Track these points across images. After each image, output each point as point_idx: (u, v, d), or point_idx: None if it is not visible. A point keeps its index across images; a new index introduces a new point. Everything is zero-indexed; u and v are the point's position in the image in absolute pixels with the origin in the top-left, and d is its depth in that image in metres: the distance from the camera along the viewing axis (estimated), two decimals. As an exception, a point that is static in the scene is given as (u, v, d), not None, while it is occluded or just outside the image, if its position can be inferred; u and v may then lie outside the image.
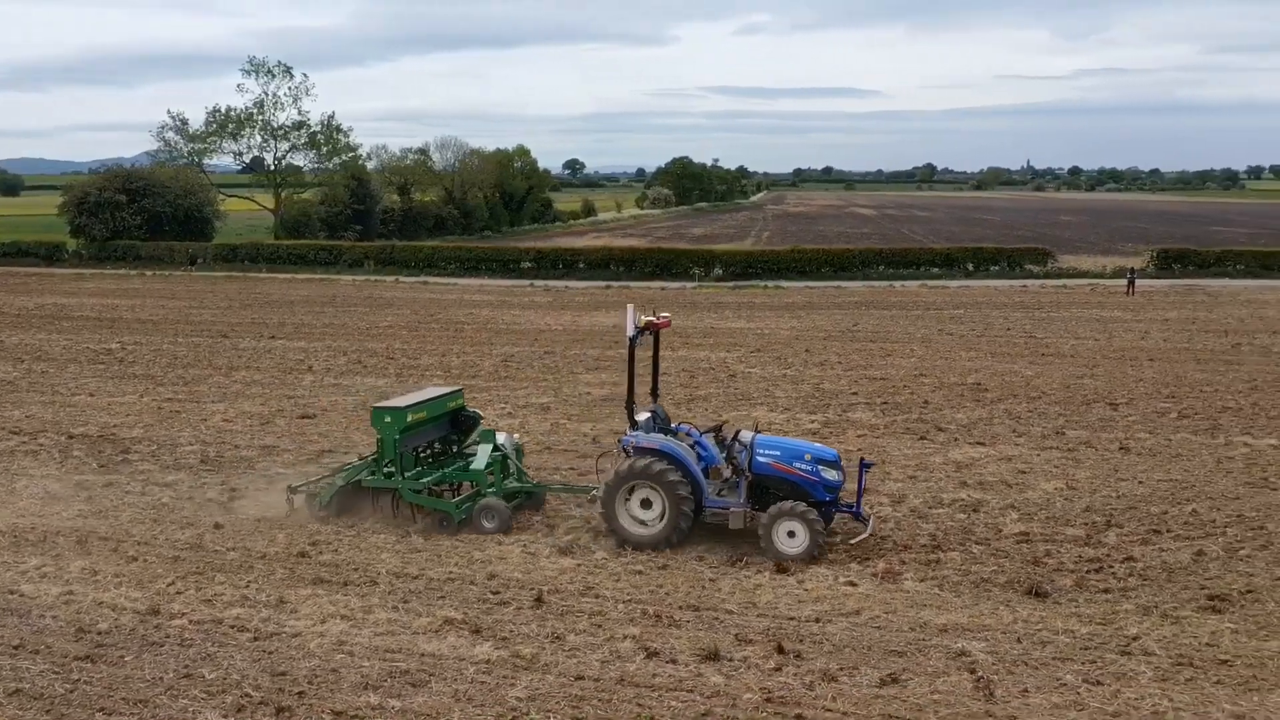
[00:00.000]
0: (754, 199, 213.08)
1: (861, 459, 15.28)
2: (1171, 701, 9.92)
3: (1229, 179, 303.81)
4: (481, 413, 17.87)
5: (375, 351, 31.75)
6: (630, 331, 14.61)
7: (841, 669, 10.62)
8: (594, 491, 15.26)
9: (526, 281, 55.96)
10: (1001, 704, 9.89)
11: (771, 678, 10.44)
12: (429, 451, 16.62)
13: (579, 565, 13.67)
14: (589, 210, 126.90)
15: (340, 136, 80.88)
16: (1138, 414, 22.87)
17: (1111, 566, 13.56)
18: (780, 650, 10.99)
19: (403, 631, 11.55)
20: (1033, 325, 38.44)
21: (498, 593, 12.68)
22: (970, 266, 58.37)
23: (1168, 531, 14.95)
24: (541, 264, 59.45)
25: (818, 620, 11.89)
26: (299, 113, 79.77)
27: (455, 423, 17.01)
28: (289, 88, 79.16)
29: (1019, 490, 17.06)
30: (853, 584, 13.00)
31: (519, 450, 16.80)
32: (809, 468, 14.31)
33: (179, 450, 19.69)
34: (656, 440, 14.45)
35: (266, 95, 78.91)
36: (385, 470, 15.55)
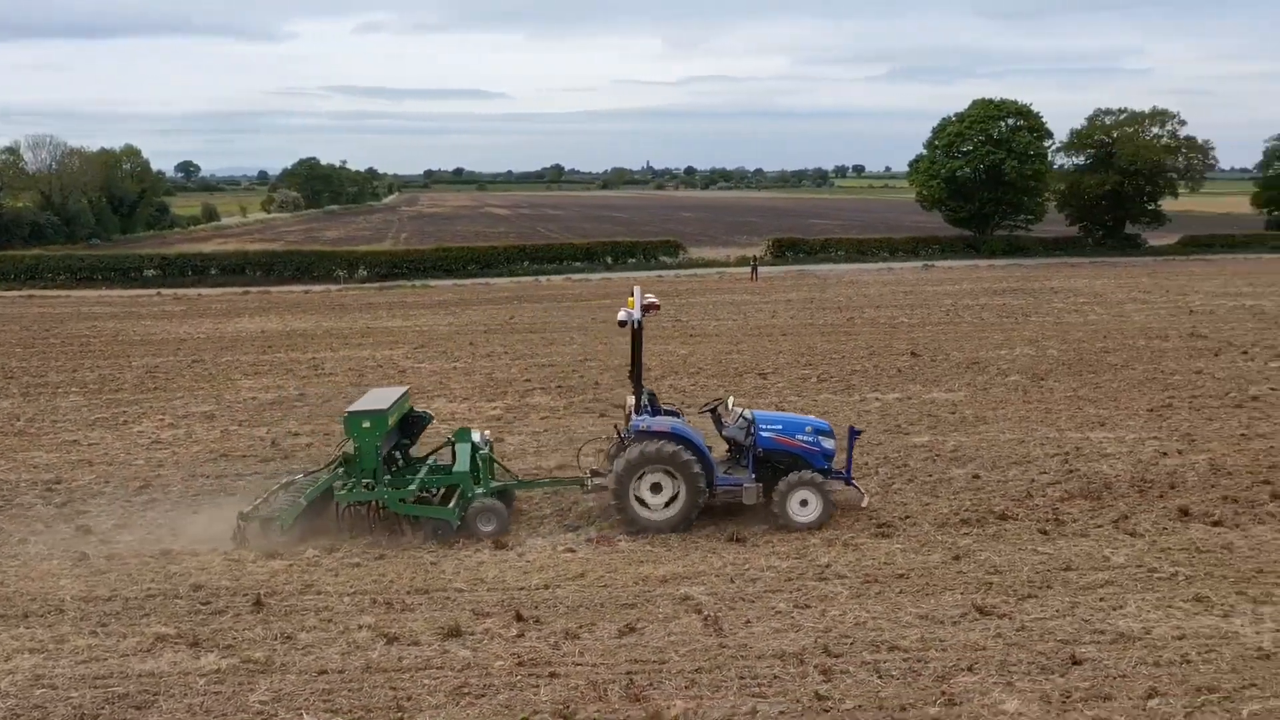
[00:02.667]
0: (387, 200, 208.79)
1: (851, 427, 15.69)
2: (869, 612, 11.30)
3: (820, 178, 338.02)
4: (432, 413, 16.85)
5: (-12, 371, 28.06)
6: (636, 314, 14.37)
7: (581, 627, 11.07)
8: (589, 482, 14.94)
9: (152, 290, 51.55)
10: (730, 636, 10.78)
11: (517, 644, 10.68)
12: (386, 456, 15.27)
13: (291, 565, 13.10)
14: (210, 215, 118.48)
15: (-96, 133, 69.97)
16: (784, 380, 25.28)
17: (794, 510, 15.03)
18: (519, 618, 11.25)
19: (109, 655, 10.56)
20: (676, 310, 41.00)
21: (208, 603, 11.90)
22: (610, 260, 61.09)
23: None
24: (168, 271, 55.05)
25: (546, 587, 12.26)
26: None
27: (404, 426, 15.85)
28: None
29: (700, 454, 18.34)
30: (571, 550, 13.52)
31: (490, 447, 15.78)
32: (810, 439, 14.68)
33: None
34: (667, 423, 14.28)
35: None
36: (365, 481, 14.18)
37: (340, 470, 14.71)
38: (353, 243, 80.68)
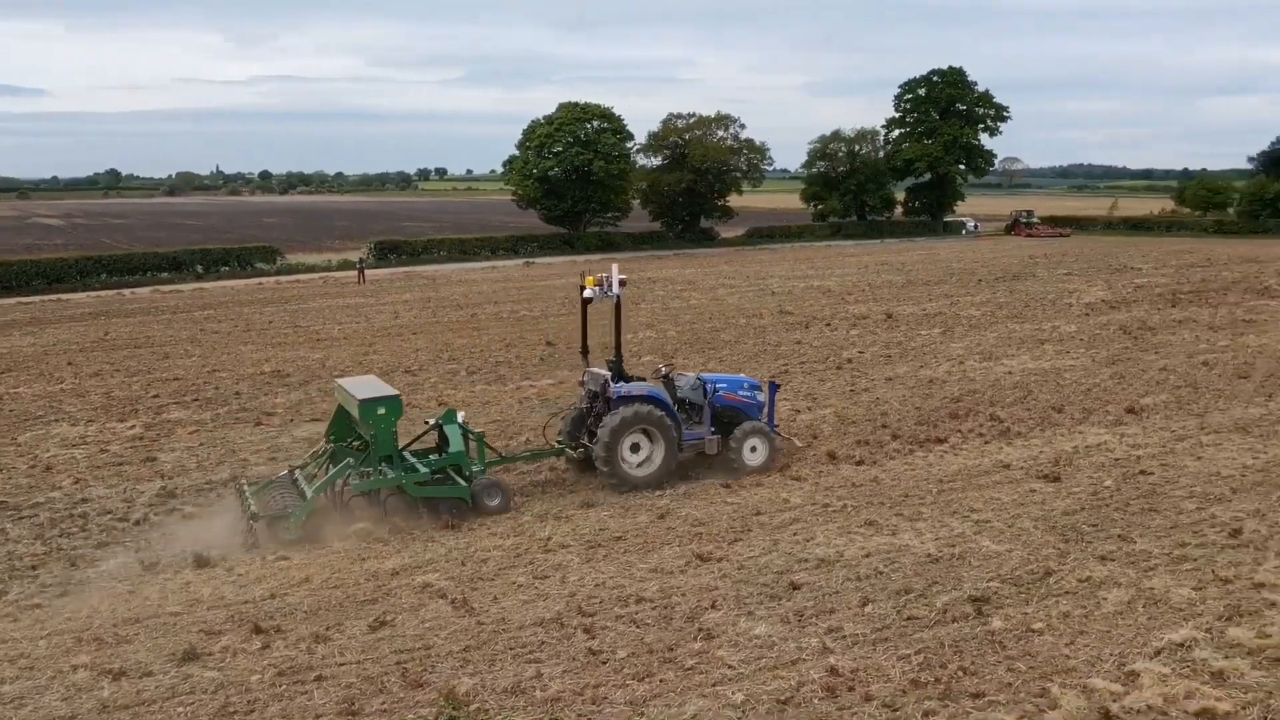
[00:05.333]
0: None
1: (771, 382, 17.41)
2: (604, 574, 12.01)
3: (404, 180, 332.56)
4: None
5: None
6: (615, 290, 15.38)
7: (328, 629, 10.76)
8: (569, 451, 15.86)
9: None
10: (485, 613, 11.01)
11: (267, 656, 10.19)
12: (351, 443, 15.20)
13: (-47, 618, 11.41)
14: None
15: None
16: (435, 375, 25.41)
17: (496, 493, 15.40)
18: (258, 630, 10.71)
19: None
20: (291, 317, 39.39)
21: None
22: (200, 269, 57.11)
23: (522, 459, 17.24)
24: None
25: (273, 597, 11.72)
26: None
27: None
28: None
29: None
30: (285, 558, 12.96)
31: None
32: (748, 394, 16.34)
33: None
34: (644, 388, 15.54)
35: None
36: (379, 468, 14.17)
37: (350, 461, 14.21)
38: None
